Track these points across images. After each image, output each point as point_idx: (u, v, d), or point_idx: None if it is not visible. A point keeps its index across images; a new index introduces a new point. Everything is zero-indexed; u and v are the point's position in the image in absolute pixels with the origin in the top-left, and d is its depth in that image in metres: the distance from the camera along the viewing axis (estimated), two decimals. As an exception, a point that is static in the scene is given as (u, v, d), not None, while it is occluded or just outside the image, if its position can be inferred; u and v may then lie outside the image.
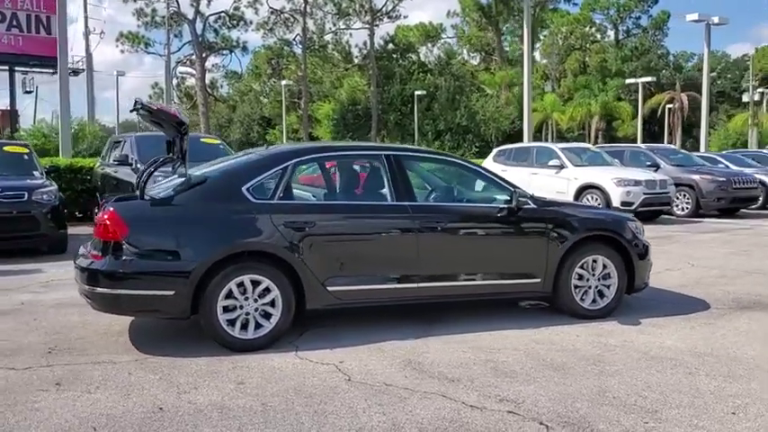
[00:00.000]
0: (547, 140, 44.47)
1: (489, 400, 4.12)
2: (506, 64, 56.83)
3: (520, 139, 40.10)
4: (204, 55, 46.43)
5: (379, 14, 49.37)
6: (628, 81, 45.85)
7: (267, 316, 5.17)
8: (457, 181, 6.35)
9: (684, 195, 16.00)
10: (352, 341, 5.33)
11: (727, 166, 18.52)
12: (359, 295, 5.42)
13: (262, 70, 53.94)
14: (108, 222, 4.93)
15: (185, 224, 5.04)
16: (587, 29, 72.54)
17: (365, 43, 50.44)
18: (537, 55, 62.30)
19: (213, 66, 51.74)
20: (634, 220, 6.39)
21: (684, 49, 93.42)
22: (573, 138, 47.16)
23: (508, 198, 5.87)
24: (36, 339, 5.48)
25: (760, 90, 68.61)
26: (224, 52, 48.49)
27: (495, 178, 6.04)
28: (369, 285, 5.42)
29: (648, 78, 43.54)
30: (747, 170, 17.62)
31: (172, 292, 4.93)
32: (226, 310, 5.06)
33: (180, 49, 47.52)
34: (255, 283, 5.12)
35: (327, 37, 50.43)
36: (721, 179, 15.97)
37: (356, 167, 6.00)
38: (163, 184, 5.79)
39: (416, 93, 46.32)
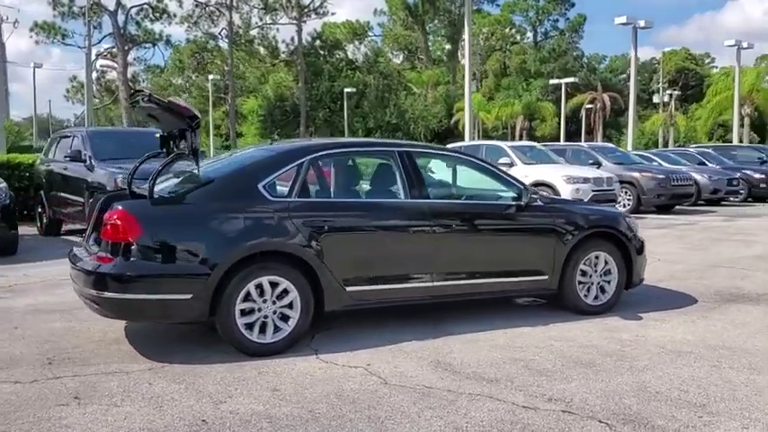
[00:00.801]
0: (474, 140, 45.19)
1: (538, 400, 4.07)
2: (432, 63, 57.49)
3: (449, 137, 40.86)
4: (126, 48, 44.66)
5: (306, 10, 48.87)
6: (552, 82, 47.16)
7: (285, 318, 4.97)
8: (466, 178, 6.29)
9: (626, 192, 16.54)
10: (369, 343, 5.19)
11: (660, 164, 19.28)
12: (376, 295, 5.28)
13: (186, 64, 52.45)
14: (119, 222, 4.60)
15: (202, 224, 4.76)
16: (507, 30, 74.25)
17: (292, 39, 49.88)
18: (459, 55, 63.17)
19: (135, 59, 49.89)
20: (630, 216, 6.50)
21: (597, 52, 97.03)
22: (498, 136, 48.15)
23: (517, 195, 5.86)
24: (27, 350, 5.07)
25: (669, 91, 72.15)
26: (146, 45, 46.76)
27: (504, 175, 6.01)
28: (387, 285, 5.29)
29: (571, 79, 44.95)
30: (682, 168, 18.39)
31: (189, 296, 4.65)
32: (243, 313, 4.83)
33: (100, 41, 45.63)
34: (274, 285, 4.91)
35: (254, 32, 49.50)
36: (661, 176, 16.60)
37: (372, 164, 5.84)
38: (163, 183, 5.49)
39: (346, 90, 46.18)
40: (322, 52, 51.43)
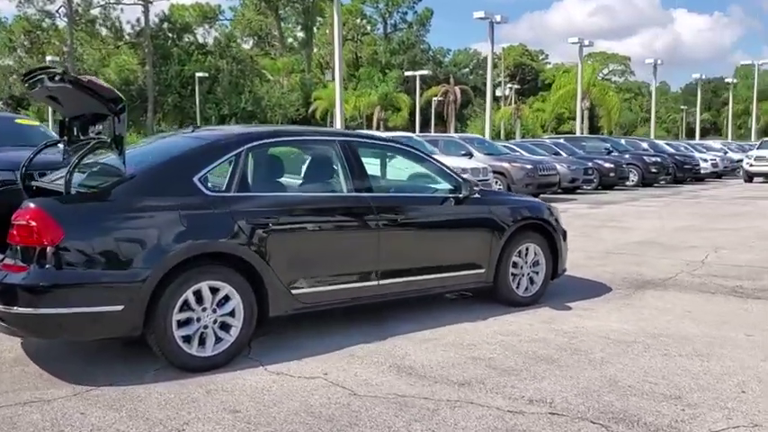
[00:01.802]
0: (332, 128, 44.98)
1: (520, 403, 3.90)
2: (285, 51, 56.50)
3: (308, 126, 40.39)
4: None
5: (152, -10, 46.18)
6: (407, 74, 47.98)
7: (226, 328, 4.45)
8: (404, 170, 6.00)
9: (497, 182, 17.02)
10: (314, 349, 4.80)
11: (522, 154, 20.07)
12: (323, 297, 4.88)
13: (17, 44, 47.77)
14: (34, 224, 3.87)
15: (132, 223, 4.13)
16: (359, 21, 74.77)
17: (138, 20, 46.97)
18: (315, 43, 62.65)
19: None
20: (553, 206, 6.53)
21: (441, 46, 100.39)
22: (356, 126, 48.28)
23: (456, 187, 5.67)
24: None
25: (509, 85, 76.05)
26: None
27: (442, 166, 5.79)
28: (334, 285, 4.91)
29: (425, 72, 46.02)
30: (546, 158, 19.24)
31: (120, 307, 4.02)
32: (180, 324, 4.27)
33: None
34: (214, 291, 4.38)
35: (95, 11, 46.04)
36: (529, 167, 17.25)
37: (313, 155, 5.38)
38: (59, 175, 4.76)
39: (197, 75, 44.19)
40: (170, 35, 48.89)
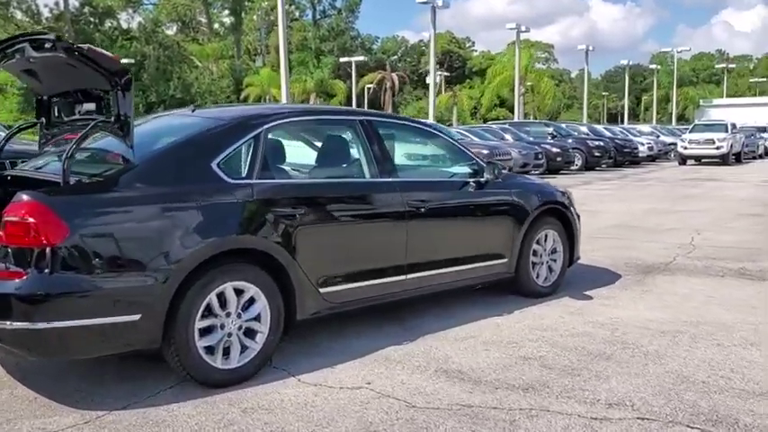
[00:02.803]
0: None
1: (600, 408, 3.51)
2: (214, 36, 54.72)
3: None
4: None
5: (71, -28, 43.73)
6: (342, 59, 47.24)
7: (252, 334, 3.89)
8: (424, 152, 5.50)
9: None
10: (342, 354, 4.28)
11: (473, 140, 19.84)
12: (352, 295, 4.36)
13: None
14: (31, 220, 3.19)
15: (148, 216, 3.49)
16: (288, 6, 73.23)
17: (56, 4, 44.41)
18: (244, 28, 60.98)
19: None
20: (567, 190, 6.19)
21: (369, 33, 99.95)
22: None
23: (475, 170, 5.22)
24: None
25: (439, 73, 76.23)
26: None
27: (462, 148, 5.32)
28: (363, 282, 4.39)
29: (361, 58, 45.35)
30: (500, 143, 19.06)
31: (136, 316, 3.40)
32: (203, 332, 3.67)
33: None
34: (239, 293, 3.80)
35: (9, -7, 43.25)
36: (486, 152, 16.98)
37: (335, 136, 4.80)
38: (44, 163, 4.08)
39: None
40: (92, 19, 46.47)
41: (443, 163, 5.40)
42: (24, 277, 3.20)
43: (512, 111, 51.71)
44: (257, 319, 3.88)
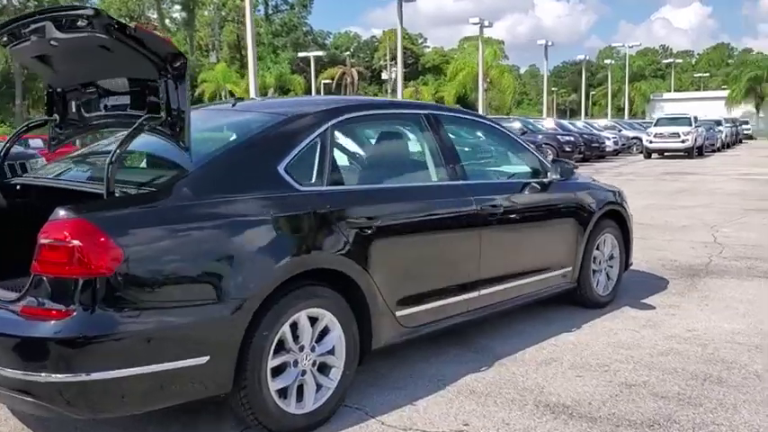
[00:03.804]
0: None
1: (750, 447, 3.00)
2: (165, 32, 52.97)
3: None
4: None
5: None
6: (301, 54, 46.29)
7: (326, 371, 3.26)
8: (489, 151, 4.92)
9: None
10: (416, 387, 3.70)
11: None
12: (426, 317, 3.76)
13: None
14: (76, 243, 2.50)
15: (213, 234, 2.83)
16: (239, 1, 71.73)
17: (-2, -4, 42.23)
18: (197, 23, 59.38)
19: None
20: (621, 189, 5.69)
21: (322, 29, 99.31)
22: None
23: (537, 169, 4.68)
24: None
25: (394, 69, 75.87)
26: None
27: (525, 144, 4.76)
28: (437, 301, 3.80)
29: (319, 53, 44.51)
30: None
31: (204, 359, 2.74)
32: (275, 372, 3.03)
33: None
34: (312, 322, 3.17)
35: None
36: (468, 147, 16.52)
37: (401, 133, 4.17)
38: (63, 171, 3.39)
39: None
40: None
41: (506, 161, 4.84)
42: (67, 316, 2.51)
43: (469, 107, 51.62)
44: (331, 351, 3.25)
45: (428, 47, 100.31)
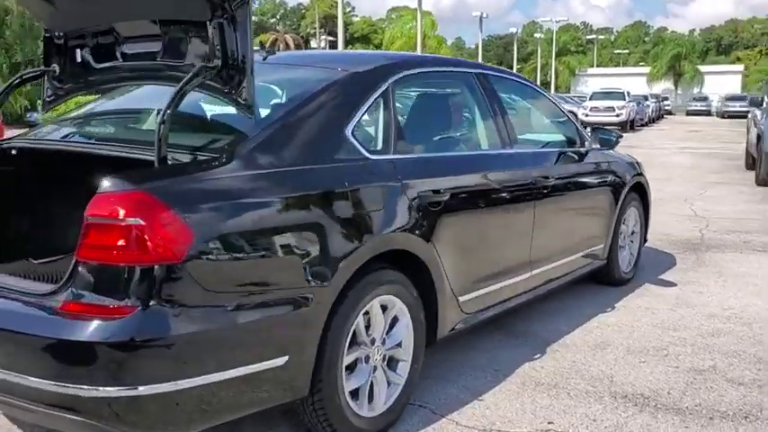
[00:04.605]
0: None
1: None
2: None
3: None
4: None
5: None
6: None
7: (394, 366, 2.84)
8: (529, 114, 4.52)
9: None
10: (475, 379, 3.34)
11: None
12: (485, 302, 3.38)
13: None
14: (140, 221, 1.98)
15: (287, 211, 2.35)
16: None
17: None
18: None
19: None
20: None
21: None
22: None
23: (572, 137, 4.34)
24: None
25: (324, 37, 74.67)
26: None
27: (563, 110, 4.39)
28: (495, 284, 3.42)
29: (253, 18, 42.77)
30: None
31: (284, 359, 2.28)
32: (349, 370, 2.60)
33: None
34: (384, 310, 2.74)
35: None
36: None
37: (455, 94, 3.69)
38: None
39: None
40: (-60, -34, 40.90)
41: (548, 128, 4.46)
42: (126, 314, 1.99)
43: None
44: (399, 344, 2.83)
45: (356, 15, 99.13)
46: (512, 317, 4.13)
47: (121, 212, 1.98)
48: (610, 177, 4.53)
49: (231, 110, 2.49)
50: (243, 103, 2.40)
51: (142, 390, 2.02)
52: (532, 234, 3.65)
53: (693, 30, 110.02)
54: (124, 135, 2.82)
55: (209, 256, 2.10)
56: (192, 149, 2.38)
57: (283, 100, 2.82)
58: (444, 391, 3.17)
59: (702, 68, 67.92)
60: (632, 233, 5.07)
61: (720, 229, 7.11)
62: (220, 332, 2.13)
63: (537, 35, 69.84)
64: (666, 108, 52.41)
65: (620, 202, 4.64)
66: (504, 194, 3.42)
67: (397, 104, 3.14)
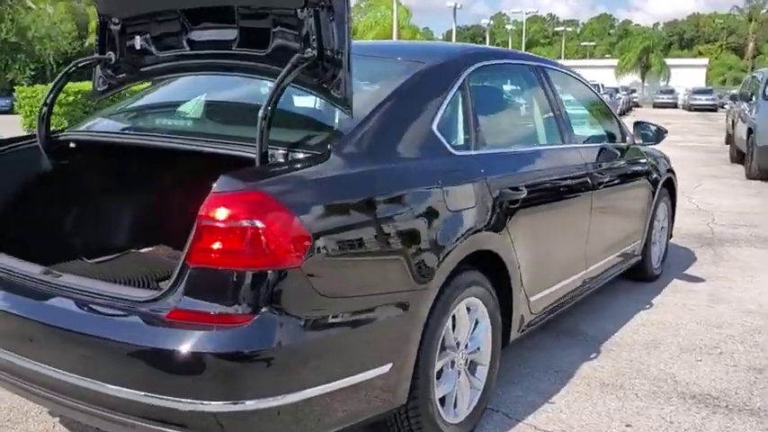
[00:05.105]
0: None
1: None
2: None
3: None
4: None
5: None
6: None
7: (474, 370, 2.75)
8: (578, 107, 4.43)
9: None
10: (537, 380, 3.26)
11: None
12: (548, 301, 3.30)
13: None
14: (259, 224, 1.84)
15: (389, 210, 2.22)
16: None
17: None
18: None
19: None
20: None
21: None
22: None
23: (613, 132, 4.28)
24: None
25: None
26: None
27: (606, 103, 4.32)
28: (558, 283, 3.36)
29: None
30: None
31: (387, 366, 2.17)
32: (438, 377, 2.50)
33: None
34: (469, 312, 2.65)
35: None
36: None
37: (528, 87, 3.58)
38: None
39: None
40: None
41: (594, 122, 4.38)
42: (243, 323, 1.85)
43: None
44: (479, 348, 2.74)
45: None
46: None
47: (242, 214, 1.85)
48: (649, 172, 4.49)
49: (311, 103, 2.36)
50: (338, 98, 2.27)
51: (249, 404, 1.89)
52: (588, 232, 3.58)
53: (657, 23, 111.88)
54: (198, 129, 2.66)
55: (326, 261, 1.97)
56: (287, 146, 2.24)
57: (371, 93, 2.68)
58: (511, 395, 3.09)
59: (669, 62, 68.89)
60: (662, 228, 5.05)
61: (728, 223, 7.16)
62: (332, 340, 2.01)
63: (508, 26, 69.91)
64: (635, 100, 53.12)
65: (655, 198, 4.61)
66: (569, 191, 3.35)
67: (482, 95, 3.06)
